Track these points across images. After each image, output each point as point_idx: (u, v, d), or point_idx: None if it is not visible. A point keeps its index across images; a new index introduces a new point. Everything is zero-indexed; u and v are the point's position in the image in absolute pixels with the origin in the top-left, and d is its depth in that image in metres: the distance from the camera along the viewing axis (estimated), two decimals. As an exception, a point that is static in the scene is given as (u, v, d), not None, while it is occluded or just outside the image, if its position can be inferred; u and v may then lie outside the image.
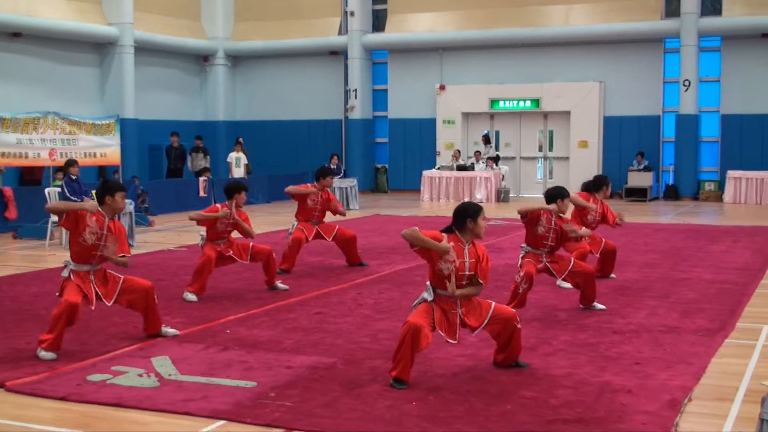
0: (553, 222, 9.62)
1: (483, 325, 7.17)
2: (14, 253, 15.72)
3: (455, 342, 7.20)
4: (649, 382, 7.04)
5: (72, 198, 16.18)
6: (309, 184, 13.37)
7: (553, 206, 9.57)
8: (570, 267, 9.62)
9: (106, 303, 8.35)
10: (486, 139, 28.86)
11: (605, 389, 6.86)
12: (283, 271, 12.45)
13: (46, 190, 17.11)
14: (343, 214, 13.78)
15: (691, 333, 8.84)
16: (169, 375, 7.28)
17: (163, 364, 7.59)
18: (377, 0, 31.80)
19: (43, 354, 7.87)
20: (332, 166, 25.24)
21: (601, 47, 28.75)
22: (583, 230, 9.42)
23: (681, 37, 27.30)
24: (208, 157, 26.94)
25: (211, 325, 9.21)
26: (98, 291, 8.29)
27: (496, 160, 28.01)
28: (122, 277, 8.48)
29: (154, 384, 7.05)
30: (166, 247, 15.91)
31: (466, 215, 7.16)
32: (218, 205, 11.21)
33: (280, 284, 11.40)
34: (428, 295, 7.14)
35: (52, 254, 15.32)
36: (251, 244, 11.25)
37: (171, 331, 8.80)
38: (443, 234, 7.22)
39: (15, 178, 22.72)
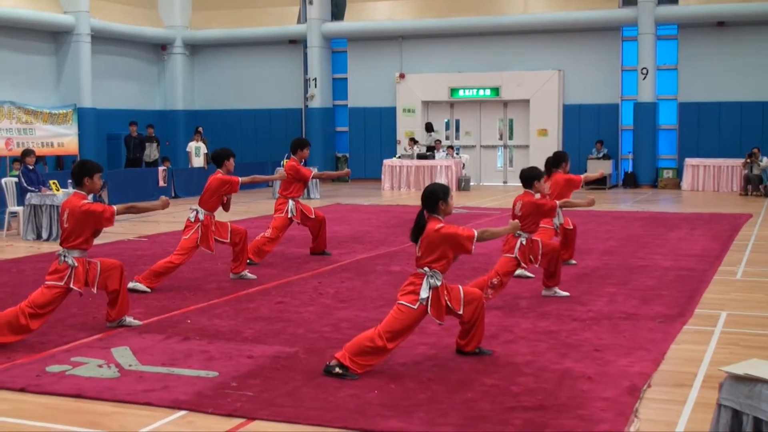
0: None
1: (461, 307, 7.22)
2: (-30, 244, 15.53)
3: (442, 323, 7.29)
4: (608, 369, 7.10)
5: (29, 188, 16.00)
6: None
7: (512, 224, 9.08)
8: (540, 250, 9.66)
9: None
10: (428, 128, 28.95)
11: (566, 376, 6.91)
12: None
13: (3, 180, 16.90)
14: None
15: (650, 320, 8.92)
16: (130, 365, 7.24)
17: (123, 355, 7.54)
18: (337, -12, 31.74)
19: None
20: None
21: (560, 35, 28.89)
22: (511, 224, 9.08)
23: (638, 26, 27.49)
24: (159, 146, 26.78)
25: (172, 315, 9.16)
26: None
27: (431, 148, 28.14)
28: (98, 262, 8.50)
29: (115, 375, 7.00)
30: (126, 237, 15.79)
31: (437, 197, 7.16)
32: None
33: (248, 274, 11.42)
34: (437, 281, 7.09)
35: (10, 245, 15.16)
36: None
37: (134, 321, 8.75)
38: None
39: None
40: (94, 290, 8.40)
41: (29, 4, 26.58)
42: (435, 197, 7.17)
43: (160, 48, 32.61)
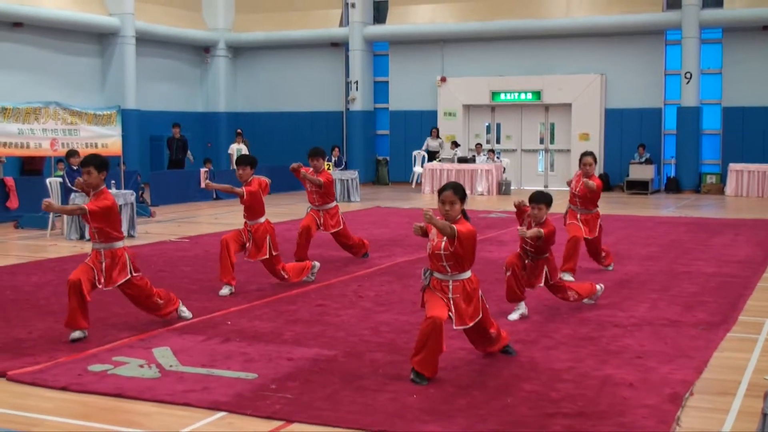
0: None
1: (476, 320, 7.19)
2: (15, 243, 15.71)
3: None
4: (650, 376, 7.03)
5: (73, 189, 16.15)
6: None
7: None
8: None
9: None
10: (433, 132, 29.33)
11: (606, 383, 6.85)
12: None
13: (48, 180, 17.11)
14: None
15: (692, 326, 8.82)
16: (170, 366, 7.28)
17: (164, 355, 7.59)
18: (378, -9, 31.79)
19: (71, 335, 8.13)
20: (333, 158, 25.28)
21: (603, 39, 28.72)
22: (531, 232, 8.93)
23: (682, 29, 27.26)
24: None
25: (213, 317, 9.20)
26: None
27: (434, 153, 28.60)
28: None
29: (155, 375, 7.05)
30: (168, 238, 15.89)
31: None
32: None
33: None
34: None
35: (54, 244, 15.32)
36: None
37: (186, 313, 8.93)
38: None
39: (16, 168, 22.70)
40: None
41: (75, 6, 26.88)
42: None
43: (203, 50, 32.84)
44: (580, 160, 11.70)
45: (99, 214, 8.25)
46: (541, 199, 8.94)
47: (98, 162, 8.45)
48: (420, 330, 6.89)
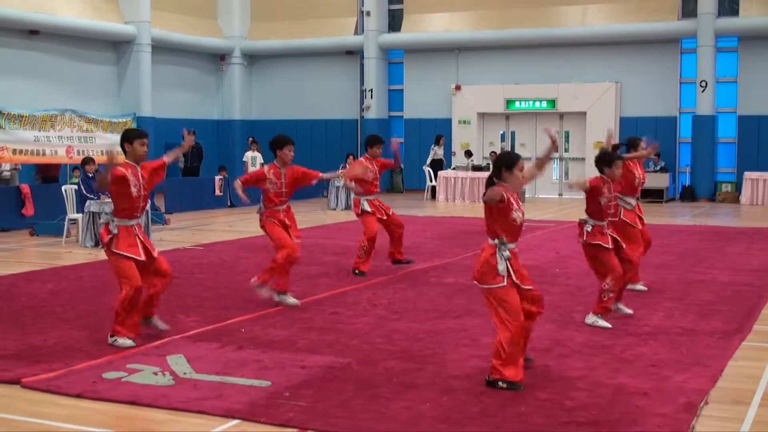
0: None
1: (530, 287, 7.09)
2: (31, 250, 15.78)
3: (530, 287, 7.10)
4: (664, 385, 7.01)
5: (89, 196, 16.22)
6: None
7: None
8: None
9: (153, 255, 8.47)
10: (437, 140, 29.34)
11: (620, 391, 6.83)
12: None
13: (63, 188, 17.17)
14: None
15: (707, 335, 8.79)
16: (184, 373, 7.29)
17: (178, 363, 7.60)
18: (393, 0, 31.80)
19: (120, 342, 8.16)
20: (348, 166, 25.28)
21: (618, 48, 28.68)
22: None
23: (698, 38, 27.21)
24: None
25: (227, 324, 9.22)
26: (144, 242, 8.45)
27: (438, 162, 28.63)
28: (157, 251, 8.61)
29: (169, 382, 7.06)
30: (182, 245, 15.94)
31: (500, 164, 7.09)
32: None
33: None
34: (506, 253, 6.94)
35: (69, 251, 15.38)
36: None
37: (162, 325, 8.84)
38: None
39: (32, 176, 22.81)
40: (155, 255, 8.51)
41: (92, 14, 27.02)
42: (498, 164, 7.12)
43: (218, 58, 32.97)
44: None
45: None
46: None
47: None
48: (515, 335, 6.84)
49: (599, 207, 9.11)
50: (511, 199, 6.96)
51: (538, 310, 7.19)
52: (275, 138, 10.80)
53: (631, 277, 10.03)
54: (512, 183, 7.04)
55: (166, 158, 9.01)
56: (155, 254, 8.49)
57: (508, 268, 6.92)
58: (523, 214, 7.06)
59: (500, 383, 6.83)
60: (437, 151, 29.22)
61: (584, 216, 9.19)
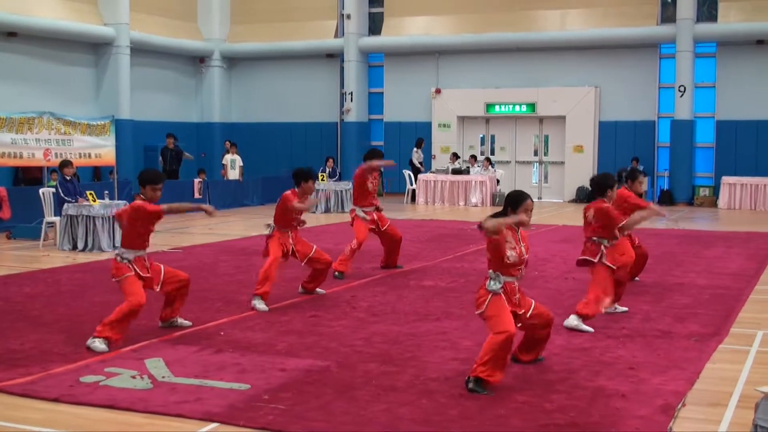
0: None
1: (529, 312, 7.30)
2: (8, 254, 15.68)
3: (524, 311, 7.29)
4: (642, 387, 7.04)
5: (66, 199, 16.14)
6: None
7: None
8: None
9: (155, 289, 8.81)
10: (418, 144, 29.24)
11: (599, 394, 6.86)
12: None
13: (41, 191, 17.07)
14: None
15: (684, 338, 8.84)
16: (163, 377, 7.27)
17: (156, 366, 7.58)
18: (374, 3, 31.82)
19: (98, 345, 8.16)
20: (327, 169, 25.29)
21: (597, 52, 28.79)
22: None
23: (677, 43, 27.34)
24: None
25: (206, 327, 9.20)
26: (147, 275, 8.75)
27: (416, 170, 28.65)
28: (162, 266, 8.94)
29: (148, 386, 7.03)
30: (161, 248, 15.87)
31: (509, 203, 7.21)
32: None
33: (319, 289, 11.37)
34: (496, 285, 7.07)
35: (46, 255, 15.30)
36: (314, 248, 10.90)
37: (185, 322, 9.20)
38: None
39: (10, 178, 22.67)
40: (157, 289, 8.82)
41: (70, 16, 26.88)
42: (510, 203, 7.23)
43: (198, 61, 32.85)
44: (636, 178, 11.22)
45: None
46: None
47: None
48: (492, 342, 6.88)
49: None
50: (510, 236, 7.12)
51: (544, 332, 7.60)
52: (306, 170, 10.93)
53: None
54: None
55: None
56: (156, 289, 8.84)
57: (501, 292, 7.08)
58: (520, 253, 7.15)
59: (470, 383, 6.85)
60: (421, 155, 29.17)
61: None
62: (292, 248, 10.69)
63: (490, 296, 7.05)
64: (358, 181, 13.21)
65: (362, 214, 13.03)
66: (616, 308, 10.00)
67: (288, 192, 10.77)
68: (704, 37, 27.49)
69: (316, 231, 19.20)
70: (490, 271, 7.15)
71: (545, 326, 7.52)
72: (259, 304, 10.20)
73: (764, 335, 9.09)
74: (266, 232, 10.78)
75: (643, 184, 9.93)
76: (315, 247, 10.92)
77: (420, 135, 30.29)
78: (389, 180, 30.73)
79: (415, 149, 29.24)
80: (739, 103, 27.38)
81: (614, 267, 9.45)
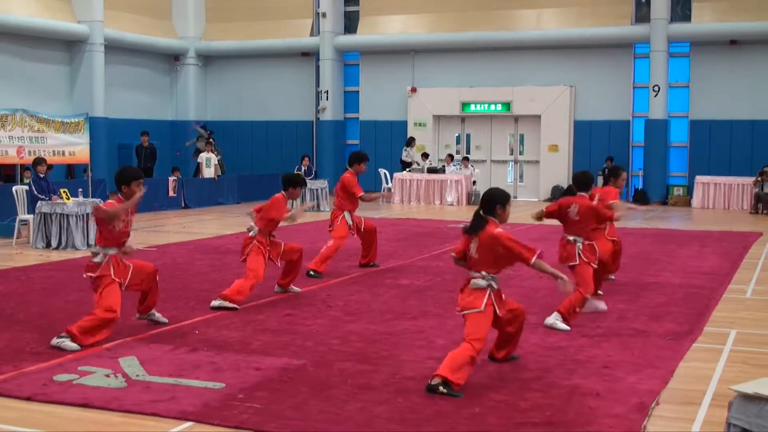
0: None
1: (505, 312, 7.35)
2: (-20, 252, 15.56)
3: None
4: (617, 386, 7.07)
5: (40, 197, 16.03)
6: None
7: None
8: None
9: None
10: (409, 142, 29.12)
11: (574, 392, 6.88)
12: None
13: (14, 188, 16.94)
14: None
15: (659, 337, 8.88)
16: (137, 375, 7.23)
17: (130, 365, 7.53)
18: (349, 1, 31.82)
19: (69, 344, 8.08)
20: (303, 167, 25.23)
21: (572, 52, 28.91)
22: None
23: (651, 43, 27.50)
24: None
25: (180, 326, 9.16)
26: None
27: (408, 164, 28.50)
28: (131, 264, 8.84)
29: (122, 384, 6.99)
30: (136, 246, 15.77)
31: (496, 201, 7.20)
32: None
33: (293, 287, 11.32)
34: (483, 282, 7.13)
35: (20, 252, 15.19)
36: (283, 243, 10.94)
37: (161, 318, 9.18)
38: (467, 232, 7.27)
39: None
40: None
41: (44, 13, 26.70)
42: (493, 201, 7.21)
43: (173, 59, 32.72)
44: (620, 175, 11.42)
45: None
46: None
47: None
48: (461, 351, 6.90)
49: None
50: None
51: (514, 329, 7.63)
52: (295, 176, 11.18)
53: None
54: (501, 219, 7.31)
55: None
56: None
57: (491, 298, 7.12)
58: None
59: (441, 387, 6.81)
60: (410, 153, 29.02)
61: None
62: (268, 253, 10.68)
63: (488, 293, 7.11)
64: (346, 188, 13.10)
65: (350, 221, 13.03)
66: (595, 305, 9.98)
67: (278, 195, 10.84)
68: (678, 37, 27.68)
69: (290, 229, 19.15)
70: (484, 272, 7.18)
71: (517, 321, 7.56)
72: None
73: (737, 334, 9.15)
74: (251, 234, 10.73)
75: (624, 180, 10.15)
76: (283, 243, 10.91)
77: (397, 134, 30.34)
78: (364, 179, 30.69)
79: (405, 148, 29.11)
80: (712, 103, 27.58)
81: (594, 266, 9.52)
